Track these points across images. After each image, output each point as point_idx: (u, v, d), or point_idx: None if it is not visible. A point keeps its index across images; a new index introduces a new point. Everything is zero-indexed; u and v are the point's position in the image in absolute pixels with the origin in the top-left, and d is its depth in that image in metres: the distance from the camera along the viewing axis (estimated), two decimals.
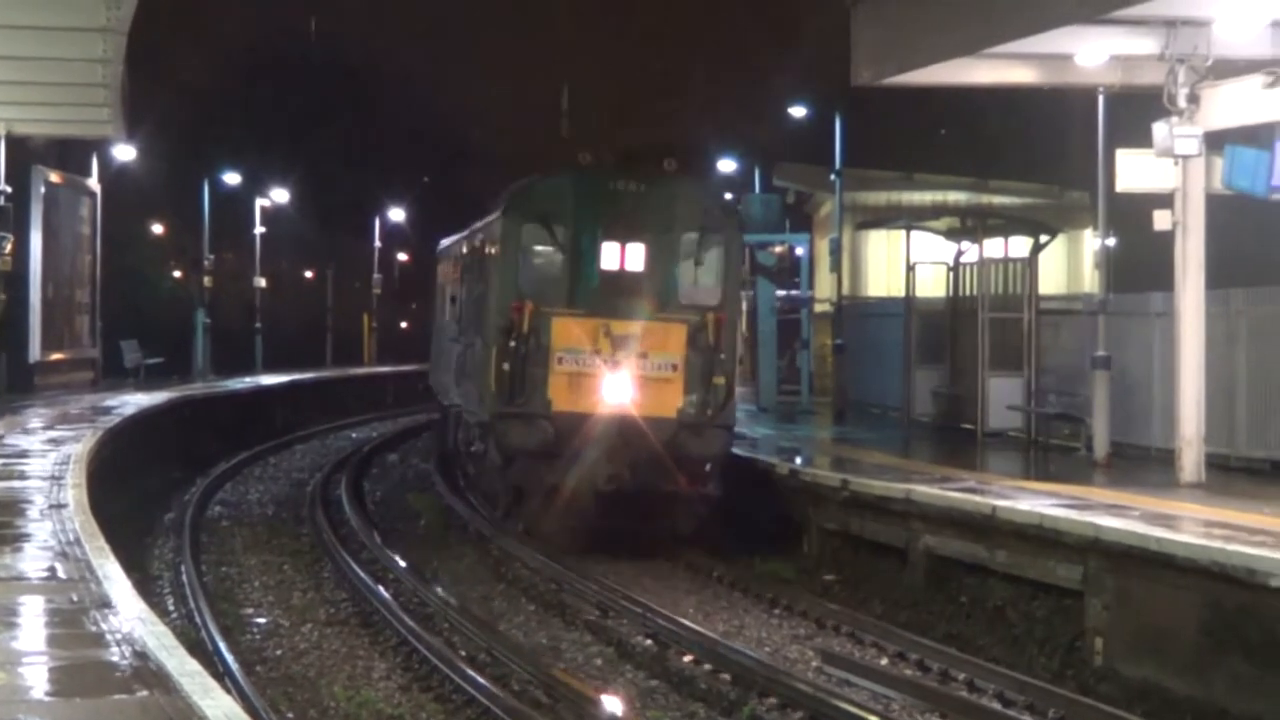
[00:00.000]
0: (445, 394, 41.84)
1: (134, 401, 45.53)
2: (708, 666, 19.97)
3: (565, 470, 26.77)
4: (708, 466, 27.24)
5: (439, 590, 25.86)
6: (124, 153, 54.27)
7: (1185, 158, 25.19)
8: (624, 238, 27.62)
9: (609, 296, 27.41)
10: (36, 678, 13.45)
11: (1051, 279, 40.94)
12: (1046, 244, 34.47)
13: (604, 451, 26.56)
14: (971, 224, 37.00)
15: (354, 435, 55.62)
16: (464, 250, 36.80)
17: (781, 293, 51.04)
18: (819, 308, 51.53)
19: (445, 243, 45.00)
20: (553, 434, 26.74)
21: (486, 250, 30.54)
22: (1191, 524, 21.15)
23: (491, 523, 30.91)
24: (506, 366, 26.93)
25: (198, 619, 23.06)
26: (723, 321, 27.55)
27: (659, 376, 26.99)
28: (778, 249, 52.66)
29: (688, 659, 20.45)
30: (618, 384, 26.85)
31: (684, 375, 27.13)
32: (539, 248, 28.37)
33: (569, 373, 26.99)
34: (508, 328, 26.95)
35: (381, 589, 25.47)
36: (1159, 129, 24.73)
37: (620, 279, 27.60)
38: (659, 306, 27.49)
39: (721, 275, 28.34)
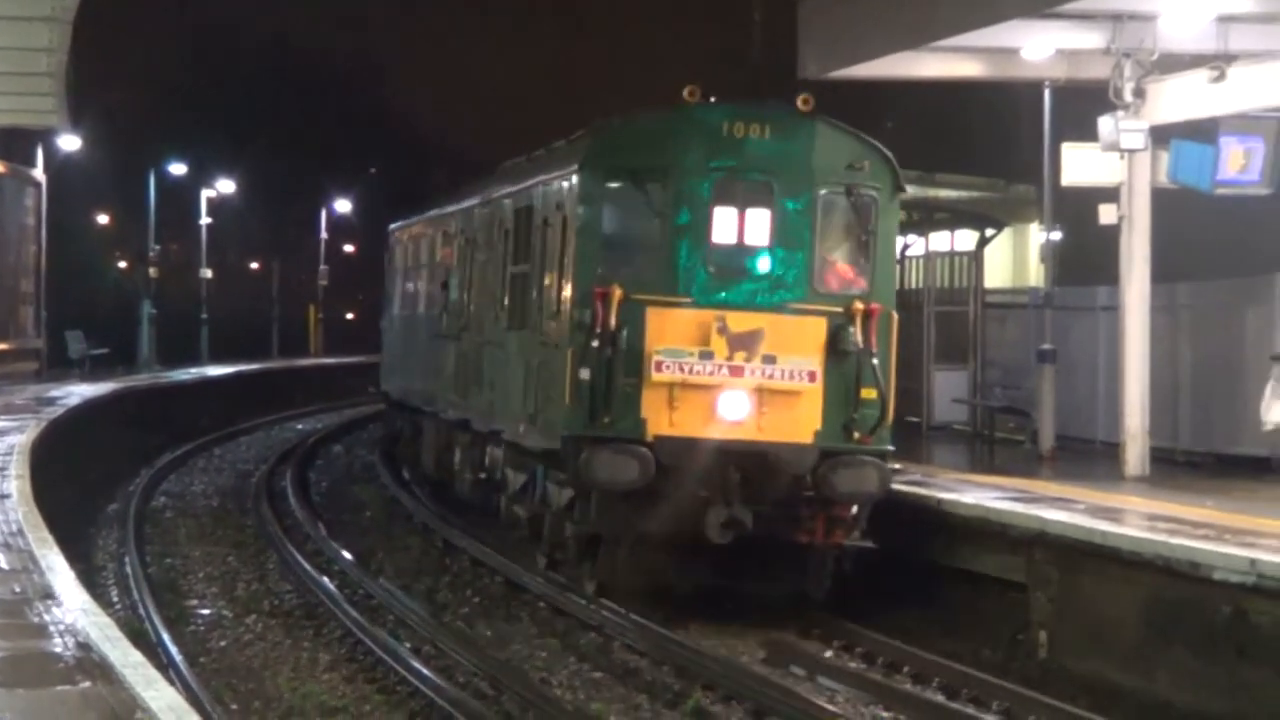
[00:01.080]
0: (411, 397, 36.61)
1: (79, 392, 45.38)
2: None
3: (666, 514, 20.17)
4: (854, 509, 20.71)
5: (386, 583, 25.64)
6: (69, 143, 53.91)
7: (1131, 152, 25.53)
8: (744, 201, 20.68)
9: (724, 280, 20.54)
10: None
11: (997, 273, 41.40)
12: (992, 238, 34.46)
13: (718, 490, 19.93)
14: (917, 217, 35.48)
15: (300, 427, 55.74)
16: (466, 223, 30.29)
17: None
18: None
19: (409, 221, 39.25)
20: (652, 466, 19.82)
21: (539, 219, 23.48)
22: (1136, 517, 21.25)
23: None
24: (586, 374, 19.94)
25: (141, 610, 22.98)
26: (875, 314, 20.56)
27: (790, 388, 20.15)
28: None
29: None
30: (736, 398, 20.11)
31: (823, 386, 20.36)
32: (628, 213, 21.22)
33: (670, 383, 20.02)
34: (587, 322, 19.97)
35: (326, 580, 25.50)
36: (1105, 123, 25.03)
37: (738, 257, 20.73)
38: (790, 294, 20.62)
39: (873, 253, 21.24)
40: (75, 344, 57.02)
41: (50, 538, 20.29)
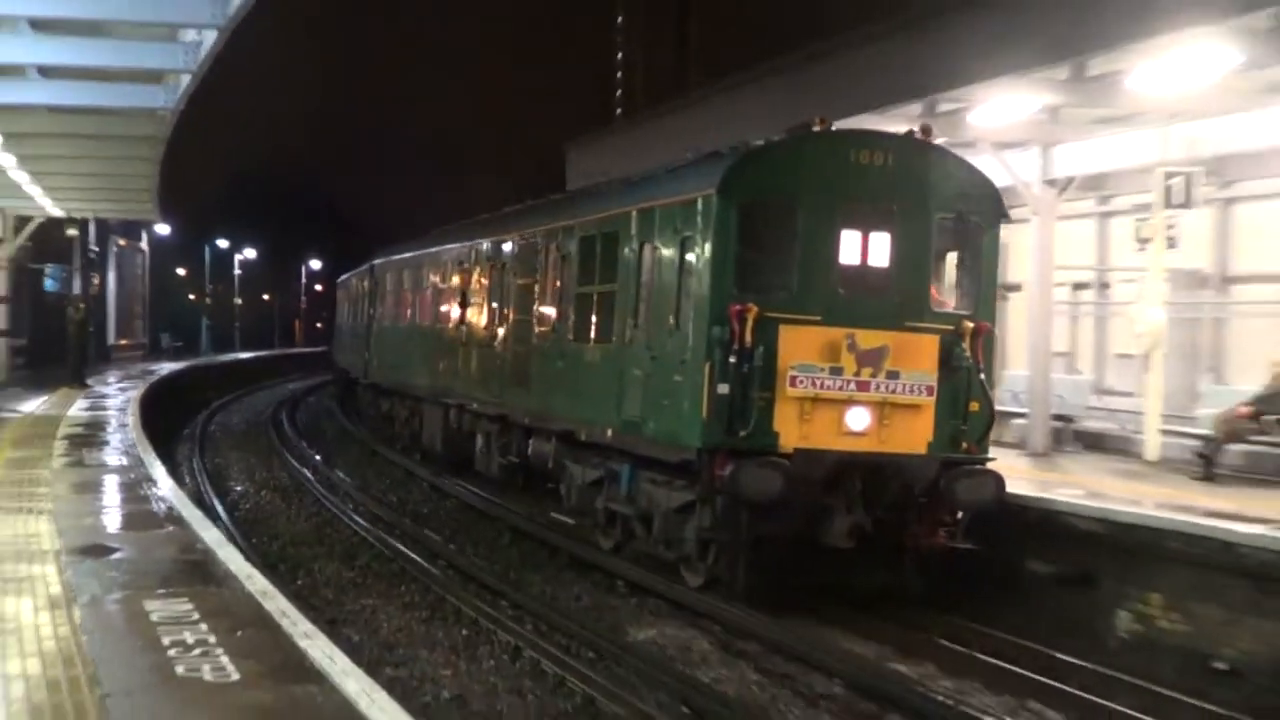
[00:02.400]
0: (407, 387, 38.88)
1: (167, 367, 64.53)
2: None
3: (794, 520, 19.11)
4: (960, 515, 19.72)
5: (339, 472, 36.11)
6: (161, 228, 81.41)
7: None
8: (867, 224, 19.70)
9: (851, 300, 19.46)
10: (113, 521, 18.45)
11: None
12: None
13: (844, 498, 19.10)
14: None
15: (290, 387, 73.79)
16: (492, 254, 30.82)
17: None
18: None
19: (391, 260, 43.35)
20: (792, 478, 18.63)
21: (633, 243, 22.10)
22: None
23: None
24: (725, 389, 18.74)
25: (202, 488, 31.05)
26: (982, 332, 19.99)
27: (910, 402, 19.39)
28: None
29: None
30: (863, 411, 19.23)
31: (937, 400, 19.60)
32: (761, 235, 19.55)
33: (803, 397, 18.99)
34: (724, 339, 18.66)
35: (306, 471, 35.91)
36: None
37: (862, 277, 19.69)
38: (909, 313, 19.72)
39: (979, 274, 20.60)
40: (165, 340, 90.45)
41: (151, 448, 27.38)
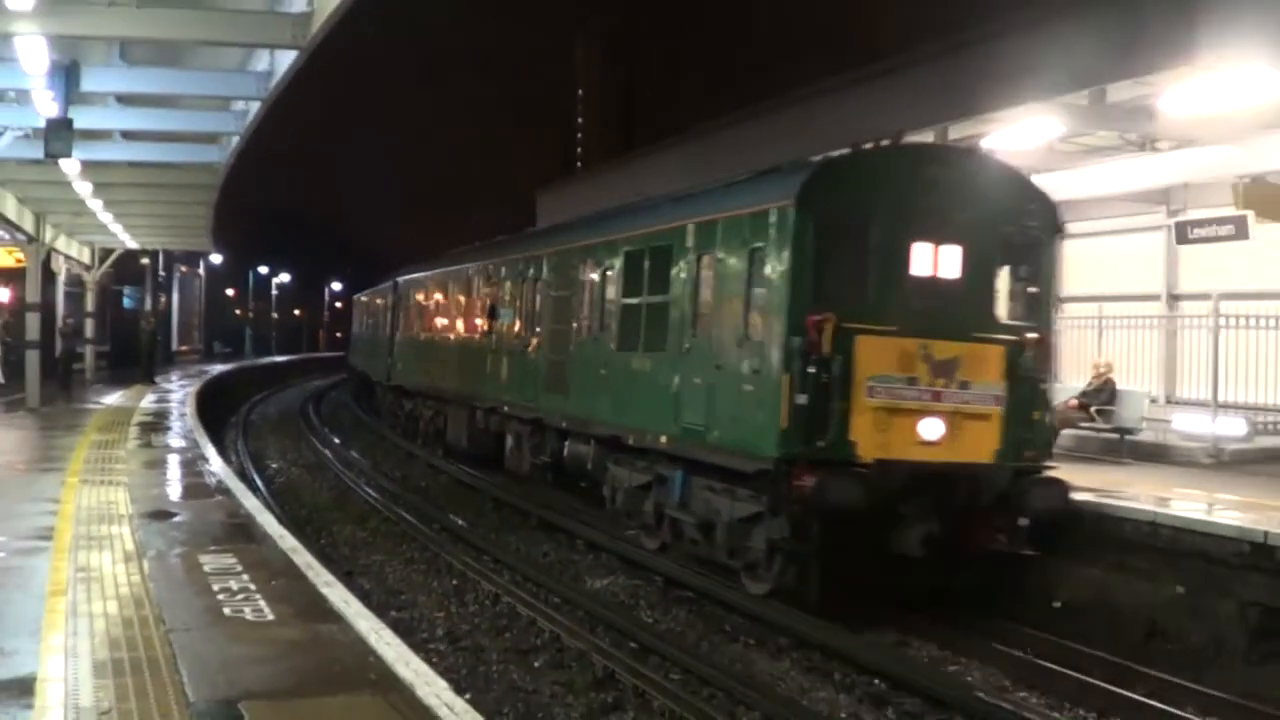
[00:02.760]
0: (434, 390, 35.05)
1: (219, 368, 63.32)
2: None
3: (869, 530, 15.96)
4: (1021, 521, 16.59)
5: (354, 453, 35.93)
6: (214, 257, 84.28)
7: None
8: (938, 236, 16.68)
9: (924, 311, 16.44)
10: (174, 491, 18.53)
11: None
12: None
13: (921, 507, 16.05)
14: None
15: (316, 384, 71.93)
16: (527, 268, 26.76)
17: None
18: None
19: (416, 277, 39.60)
20: (872, 488, 15.63)
21: (689, 256, 18.76)
22: None
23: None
24: (804, 399, 15.68)
25: (245, 465, 30.92)
26: (1046, 343, 17.22)
27: (979, 412, 16.52)
28: None
29: None
30: (936, 421, 16.28)
31: (1003, 410, 16.65)
32: (836, 247, 16.36)
33: (879, 407, 16.02)
34: (802, 349, 15.69)
35: (327, 452, 35.81)
36: None
37: (933, 289, 16.63)
38: (978, 324, 16.83)
39: (1040, 286, 17.59)
40: (217, 346, 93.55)
41: (204, 433, 27.70)
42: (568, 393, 23.43)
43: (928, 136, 24.85)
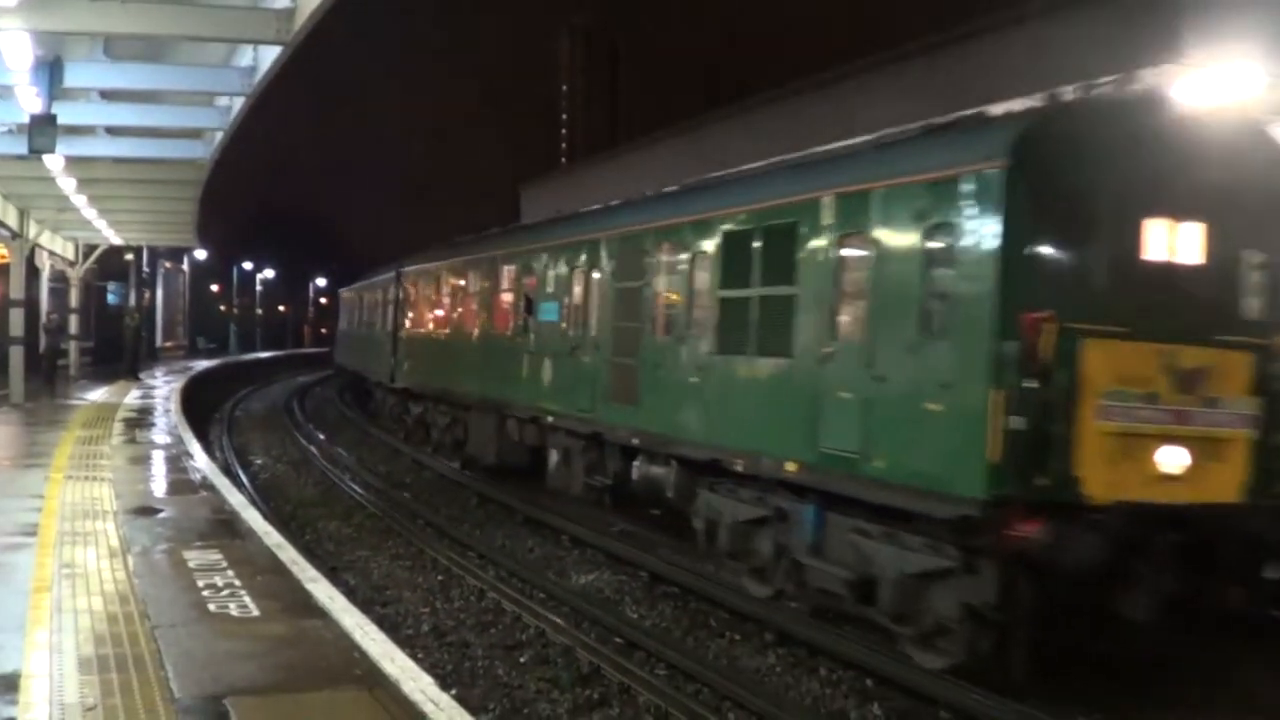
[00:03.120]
0: (451, 394, 30.41)
1: (203, 364, 63.91)
2: None
3: (1099, 591, 11.95)
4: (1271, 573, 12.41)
5: (339, 449, 35.44)
6: (199, 253, 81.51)
7: None
8: (1176, 211, 12.55)
9: (1158, 306, 12.41)
10: (159, 487, 18.57)
11: None
12: None
13: (1157, 561, 11.91)
14: None
15: (301, 380, 70.55)
16: (577, 255, 22.42)
17: None
18: None
19: (425, 268, 34.71)
20: (1115, 539, 11.64)
21: (822, 238, 14.59)
22: None
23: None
24: (1022, 423, 11.70)
25: (230, 461, 30.56)
26: None
27: (1229, 436, 12.43)
28: None
29: None
30: (1179, 449, 12.23)
31: (1255, 434, 12.55)
32: (1055, 223, 12.16)
33: (1113, 432, 11.97)
34: (1018, 356, 11.73)
35: (312, 448, 35.38)
36: None
37: (1170, 278, 12.56)
38: (1221, 324, 12.69)
39: None
40: (201, 342, 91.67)
41: (189, 429, 27.84)
42: (638, 403, 19.25)
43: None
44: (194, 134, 30.52)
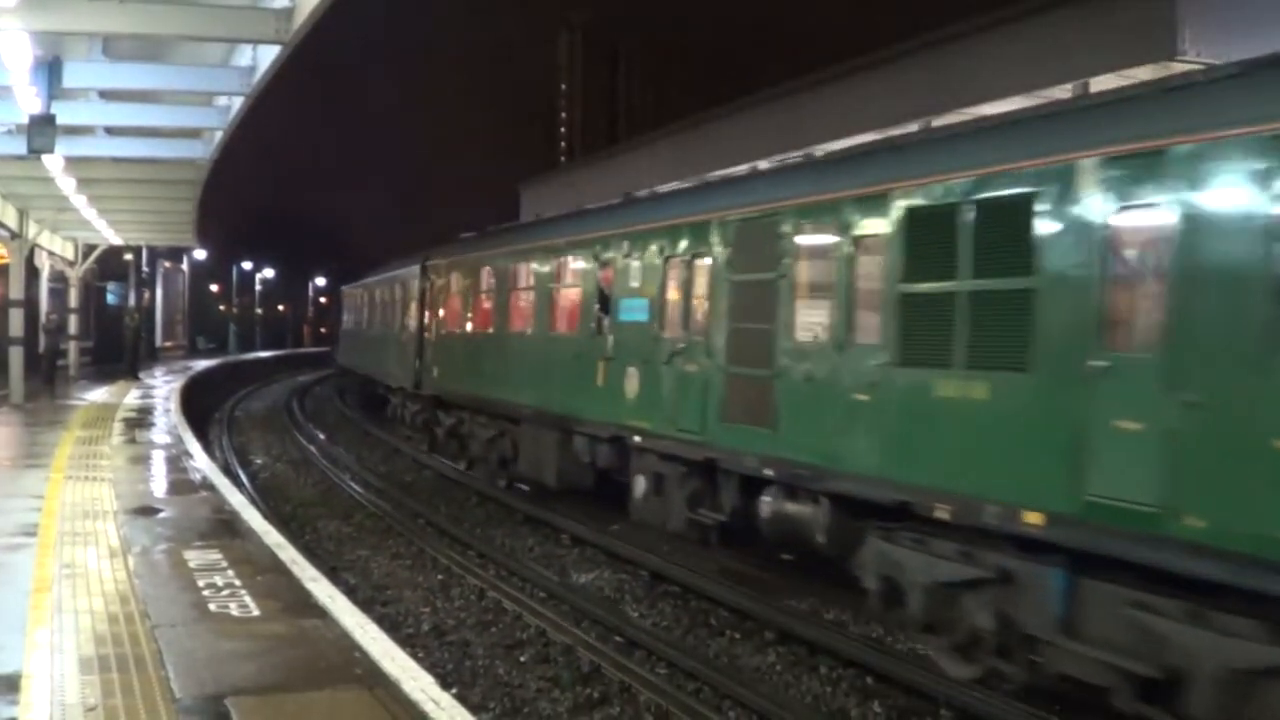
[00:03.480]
0: (495, 405, 26.16)
1: (203, 364, 63.21)
2: None
3: None
4: None
5: (339, 449, 35.53)
6: (198, 253, 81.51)
7: None
8: None
9: None
10: (159, 487, 18.42)
11: None
12: None
13: None
14: None
15: (301, 379, 70.92)
16: (676, 240, 18.57)
17: None
18: None
19: (453, 261, 30.58)
20: None
21: (1171, 203, 10.13)
22: None
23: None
24: None
25: (229, 461, 30.83)
26: None
27: None
28: None
29: None
30: None
31: None
32: None
33: None
34: None
35: (312, 447, 35.57)
36: None
37: None
38: None
39: None
40: (201, 342, 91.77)
41: (188, 428, 27.69)
42: (773, 425, 15.63)
43: (912, 129, 24.65)
44: (193, 134, 30.46)
